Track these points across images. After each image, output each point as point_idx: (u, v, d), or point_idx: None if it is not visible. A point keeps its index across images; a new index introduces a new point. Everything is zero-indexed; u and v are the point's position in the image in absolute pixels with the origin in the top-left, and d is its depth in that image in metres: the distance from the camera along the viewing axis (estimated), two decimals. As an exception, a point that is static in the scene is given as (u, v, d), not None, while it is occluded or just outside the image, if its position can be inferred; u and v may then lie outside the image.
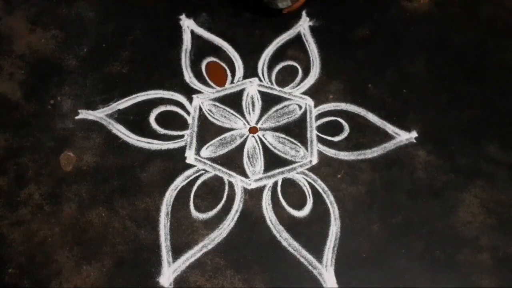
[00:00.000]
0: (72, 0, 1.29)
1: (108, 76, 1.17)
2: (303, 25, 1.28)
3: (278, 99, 1.16)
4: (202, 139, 1.10)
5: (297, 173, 1.06)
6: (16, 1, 1.28)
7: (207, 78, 1.19)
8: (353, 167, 1.07)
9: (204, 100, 1.15)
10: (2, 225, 0.98)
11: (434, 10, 1.33)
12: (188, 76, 1.19)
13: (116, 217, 0.99)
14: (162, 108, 1.13)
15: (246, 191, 1.04)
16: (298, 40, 1.25)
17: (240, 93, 1.17)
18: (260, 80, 1.19)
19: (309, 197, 1.03)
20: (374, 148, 1.10)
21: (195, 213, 1.01)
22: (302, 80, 1.19)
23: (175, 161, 1.06)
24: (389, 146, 1.10)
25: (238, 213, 1.01)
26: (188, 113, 1.13)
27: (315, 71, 1.20)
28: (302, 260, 0.96)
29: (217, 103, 1.15)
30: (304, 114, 1.14)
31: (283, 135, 1.11)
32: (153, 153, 1.07)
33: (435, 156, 1.09)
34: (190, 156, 1.07)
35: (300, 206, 1.02)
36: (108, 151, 1.07)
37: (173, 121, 1.12)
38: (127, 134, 1.10)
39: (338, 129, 1.12)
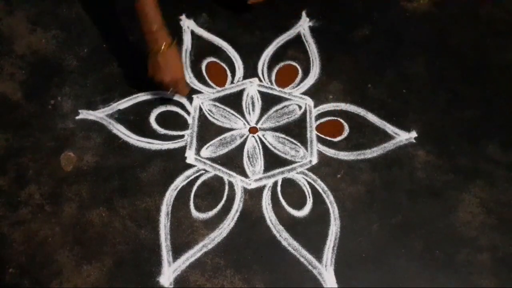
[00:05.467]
0: (72, 0, 1.30)
1: (108, 76, 1.18)
2: (303, 26, 1.28)
3: (278, 99, 1.17)
4: (202, 139, 1.10)
5: (297, 173, 1.06)
6: (17, 2, 1.29)
7: (207, 78, 1.19)
8: (352, 167, 1.07)
9: (204, 100, 1.16)
10: (2, 225, 0.98)
11: (434, 10, 1.33)
12: (188, 76, 1.19)
13: (116, 217, 1.00)
14: (162, 108, 1.14)
15: (246, 191, 1.04)
16: (298, 40, 1.25)
17: (240, 93, 1.17)
18: (260, 80, 1.19)
19: (309, 197, 1.03)
20: (374, 148, 1.10)
21: (195, 213, 1.01)
22: (302, 80, 1.19)
23: (175, 161, 1.07)
24: (388, 146, 1.10)
25: (238, 213, 1.01)
26: (188, 113, 1.14)
27: (315, 71, 1.20)
28: (302, 259, 0.96)
29: (217, 103, 1.15)
30: (304, 114, 1.14)
31: (283, 135, 1.11)
32: (153, 153, 1.08)
33: (435, 156, 1.09)
34: (190, 156, 1.07)
35: (300, 206, 1.02)
36: (108, 151, 1.07)
37: (173, 121, 1.12)
38: (127, 134, 1.10)
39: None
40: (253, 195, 1.03)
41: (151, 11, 1.04)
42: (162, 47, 1.04)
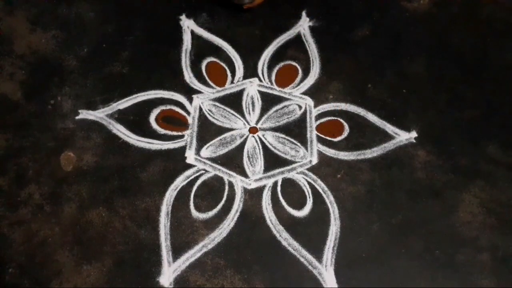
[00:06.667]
0: (72, 0, 1.29)
1: (108, 76, 1.18)
2: (303, 25, 1.28)
3: (278, 99, 1.16)
4: (202, 139, 1.10)
5: (297, 173, 1.06)
6: (17, 1, 1.29)
7: (207, 78, 1.19)
8: (353, 167, 1.07)
9: (204, 100, 1.16)
10: (2, 225, 0.98)
11: (434, 10, 1.33)
12: (188, 76, 1.19)
13: (116, 217, 1.00)
14: (162, 108, 1.13)
15: (246, 191, 1.04)
16: (298, 40, 1.25)
17: (240, 93, 1.17)
18: (260, 80, 1.19)
19: (309, 197, 1.03)
20: (374, 148, 1.10)
21: (195, 213, 1.01)
22: (302, 80, 1.19)
23: (175, 161, 1.07)
24: (388, 146, 1.10)
25: (238, 213, 1.01)
26: (188, 113, 1.14)
27: (315, 71, 1.20)
28: (302, 260, 0.96)
29: (217, 103, 1.15)
30: (304, 114, 1.14)
31: (283, 135, 1.11)
32: (153, 153, 1.08)
33: (435, 156, 1.09)
34: (190, 156, 1.07)
35: (300, 206, 1.02)
36: (108, 151, 1.07)
37: (174, 121, 1.12)
38: (127, 134, 1.10)
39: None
40: (253, 195, 1.03)
41: None
42: None
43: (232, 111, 1.15)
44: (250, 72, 1.20)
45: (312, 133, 1.11)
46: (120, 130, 1.10)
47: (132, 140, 1.09)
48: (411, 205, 1.03)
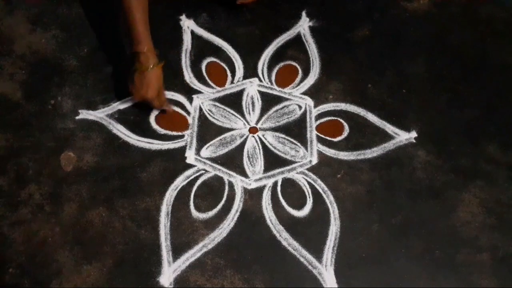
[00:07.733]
0: (72, 0, 1.30)
1: (108, 76, 1.18)
2: (303, 25, 1.28)
3: (278, 99, 1.17)
4: (202, 139, 1.10)
5: (297, 173, 1.06)
6: (17, 1, 1.29)
7: (207, 78, 1.19)
8: (352, 167, 1.07)
9: (204, 100, 1.16)
10: (2, 225, 0.98)
11: (434, 10, 1.33)
12: (188, 76, 1.19)
13: (116, 217, 1.00)
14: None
15: (246, 191, 1.04)
16: (298, 40, 1.25)
17: (240, 93, 1.17)
18: (260, 80, 1.19)
19: (309, 197, 1.03)
20: (374, 148, 1.10)
21: (195, 213, 1.01)
22: (302, 80, 1.19)
23: (175, 161, 1.07)
24: (388, 146, 1.10)
25: (238, 213, 1.01)
26: (188, 113, 1.14)
27: (315, 71, 1.20)
28: (302, 259, 0.96)
29: (217, 103, 1.15)
30: (304, 114, 1.14)
31: (283, 135, 1.11)
32: (153, 153, 1.08)
33: (435, 156, 1.09)
34: (190, 156, 1.07)
35: (300, 206, 1.02)
36: (108, 151, 1.07)
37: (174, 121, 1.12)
38: (127, 134, 1.10)
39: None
40: (253, 195, 1.03)
41: (142, 31, 1.02)
42: (148, 67, 1.03)
43: (232, 111, 1.15)
44: (250, 72, 1.20)
45: (312, 133, 1.12)
46: (120, 130, 1.10)
47: (132, 140, 1.09)
48: (411, 205, 1.03)
